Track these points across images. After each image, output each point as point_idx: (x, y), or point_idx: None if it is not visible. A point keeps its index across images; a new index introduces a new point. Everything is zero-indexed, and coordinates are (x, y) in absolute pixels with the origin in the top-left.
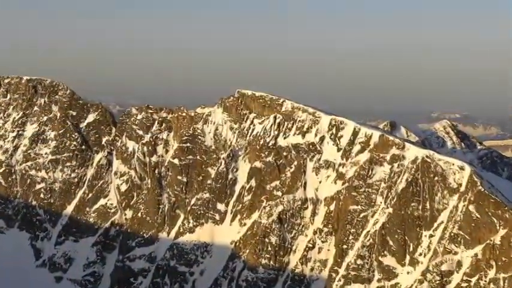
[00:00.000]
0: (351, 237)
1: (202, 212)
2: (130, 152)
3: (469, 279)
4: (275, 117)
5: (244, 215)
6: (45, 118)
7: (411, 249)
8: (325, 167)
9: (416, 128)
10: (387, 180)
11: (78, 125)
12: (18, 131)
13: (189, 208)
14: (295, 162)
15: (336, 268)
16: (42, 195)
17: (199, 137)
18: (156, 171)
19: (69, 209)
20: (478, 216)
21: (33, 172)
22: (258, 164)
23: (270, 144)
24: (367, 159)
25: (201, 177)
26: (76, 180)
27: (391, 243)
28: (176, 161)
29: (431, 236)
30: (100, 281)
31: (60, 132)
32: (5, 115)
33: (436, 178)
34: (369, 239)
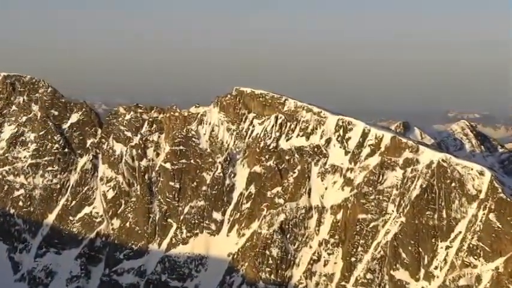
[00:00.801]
0: (359, 249)
1: (196, 221)
2: (117, 156)
3: None
4: (276, 118)
5: (243, 225)
6: (24, 118)
7: (426, 262)
8: (332, 172)
9: (431, 129)
10: (400, 186)
11: (61, 125)
12: None
13: (182, 217)
14: (299, 167)
15: (343, 283)
16: (21, 203)
17: (194, 139)
18: (146, 177)
19: (51, 218)
20: (499, 226)
21: (11, 178)
22: (257, 168)
23: (271, 147)
24: (377, 164)
25: (195, 183)
26: (58, 186)
27: (403, 255)
28: (168, 165)
29: (448, 247)
30: None
31: (40, 133)
32: None
33: (453, 184)
34: (380, 251)
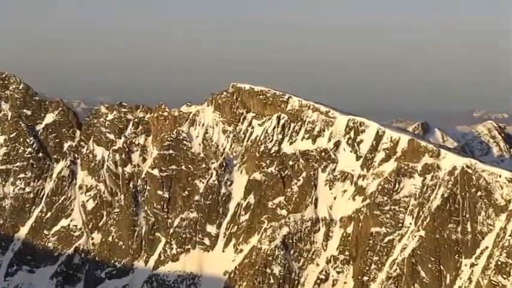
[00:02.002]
0: (373, 266)
1: (188, 235)
2: (98, 161)
3: None
4: (279, 118)
5: (241, 239)
6: None
7: (448, 281)
8: (341, 179)
9: (454, 131)
10: (418, 196)
11: (34, 127)
12: None
13: (171, 230)
14: (304, 174)
15: None
16: None
17: (185, 142)
18: (131, 185)
19: (23, 231)
20: None
21: None
22: (257, 175)
23: (273, 151)
24: (393, 170)
25: (186, 192)
26: (31, 195)
27: (423, 274)
28: (156, 172)
29: (473, 265)
30: None
31: (11, 136)
32: None
33: (479, 193)
34: (396, 269)
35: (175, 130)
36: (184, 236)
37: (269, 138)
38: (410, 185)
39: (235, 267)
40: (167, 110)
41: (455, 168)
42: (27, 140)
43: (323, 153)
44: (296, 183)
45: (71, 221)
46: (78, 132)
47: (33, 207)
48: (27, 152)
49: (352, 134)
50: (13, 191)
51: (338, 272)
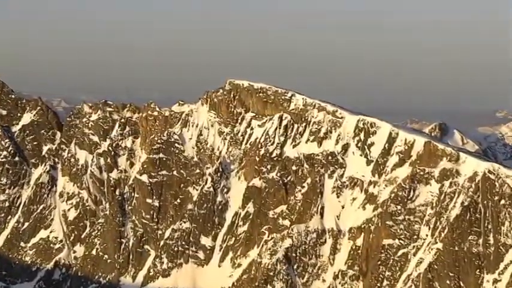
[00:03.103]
0: (385, 282)
1: (180, 248)
2: (81, 166)
3: None
4: (281, 118)
5: (239, 253)
6: None
7: None
8: (350, 186)
9: (475, 133)
10: (435, 204)
11: (10, 128)
12: None
13: (162, 243)
14: (309, 180)
15: None
16: None
17: (177, 145)
18: (117, 192)
19: None
20: None
21: None
22: (257, 182)
23: (274, 154)
24: (407, 176)
25: (178, 201)
26: (7, 204)
27: None
28: (145, 177)
29: (496, 281)
30: None
31: None
32: None
33: (502, 202)
34: (411, 286)
35: (166, 132)
36: (176, 249)
37: (270, 141)
38: (426, 193)
39: (233, 283)
40: (157, 109)
41: (476, 174)
42: (2, 143)
43: (330, 157)
44: (300, 191)
45: (51, 232)
46: (58, 134)
47: (9, 217)
48: (1, 156)
49: (362, 135)
50: None
51: None
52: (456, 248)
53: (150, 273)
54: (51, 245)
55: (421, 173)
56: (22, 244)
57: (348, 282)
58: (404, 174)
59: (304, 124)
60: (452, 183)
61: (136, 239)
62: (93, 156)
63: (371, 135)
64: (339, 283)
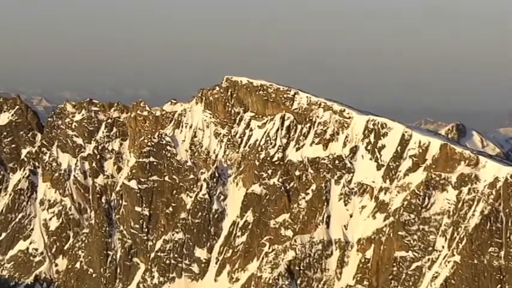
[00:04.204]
0: None
1: (172, 261)
2: (64, 171)
3: None
4: (283, 118)
5: (237, 266)
6: None
7: None
8: (359, 193)
9: (496, 134)
10: (453, 213)
11: None
12: None
13: (152, 255)
14: (314, 186)
15: None
16: None
17: (169, 147)
18: (104, 200)
19: None
20: None
21: None
22: (257, 188)
23: (276, 158)
24: (422, 182)
25: (170, 209)
26: None
27: None
28: (133, 184)
29: None
30: None
31: None
32: None
33: None
34: None
35: (157, 133)
36: (167, 261)
37: (271, 143)
38: (442, 200)
39: None
40: (147, 108)
41: (497, 180)
42: None
43: (337, 161)
44: (304, 198)
45: (30, 243)
46: (39, 136)
47: None
48: None
49: (372, 137)
50: None
51: None
52: (475, 261)
53: None
54: (31, 257)
55: (437, 178)
56: None
57: None
58: (419, 180)
59: (308, 125)
60: (471, 190)
61: (124, 251)
62: (77, 160)
63: (382, 137)
64: None
